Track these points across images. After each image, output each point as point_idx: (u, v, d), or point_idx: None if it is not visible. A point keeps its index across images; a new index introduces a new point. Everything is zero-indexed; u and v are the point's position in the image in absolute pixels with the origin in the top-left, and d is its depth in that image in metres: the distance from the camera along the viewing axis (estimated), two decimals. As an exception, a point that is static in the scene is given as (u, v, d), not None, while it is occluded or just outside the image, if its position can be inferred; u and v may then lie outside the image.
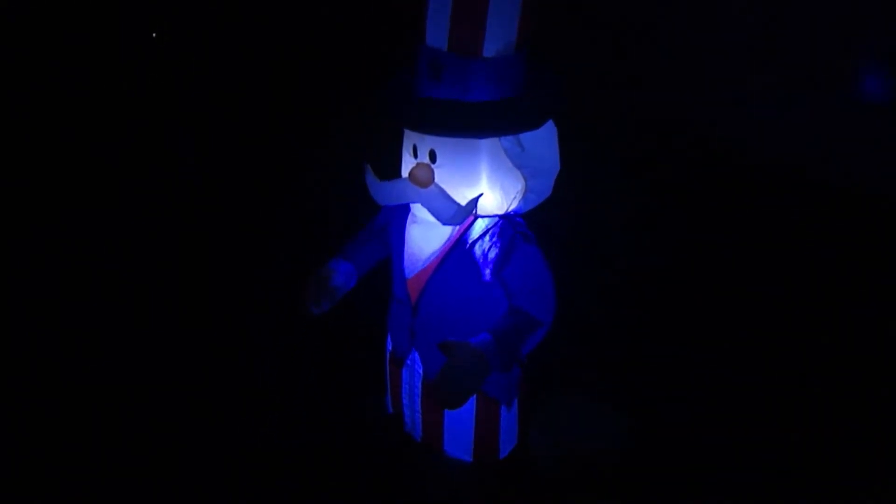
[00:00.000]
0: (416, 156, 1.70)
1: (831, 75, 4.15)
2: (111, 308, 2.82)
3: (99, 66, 4.74)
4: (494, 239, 1.71)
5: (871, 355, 2.67)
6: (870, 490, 2.11)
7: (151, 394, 2.37)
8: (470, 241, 1.72)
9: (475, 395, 1.79)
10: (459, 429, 1.90)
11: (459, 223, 1.68)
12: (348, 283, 1.90)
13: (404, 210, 1.81)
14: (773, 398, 2.43)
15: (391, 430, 2.01)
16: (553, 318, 1.72)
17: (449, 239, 1.74)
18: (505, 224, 1.73)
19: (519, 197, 1.70)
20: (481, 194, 1.67)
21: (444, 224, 1.67)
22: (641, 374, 2.51)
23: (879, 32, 4.00)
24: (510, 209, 1.72)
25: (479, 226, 1.73)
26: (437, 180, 1.66)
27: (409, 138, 1.72)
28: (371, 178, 1.74)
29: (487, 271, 1.71)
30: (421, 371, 1.87)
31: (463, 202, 1.64)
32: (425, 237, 1.76)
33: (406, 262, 1.80)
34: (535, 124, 1.66)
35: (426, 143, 1.67)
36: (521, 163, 1.67)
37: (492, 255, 1.70)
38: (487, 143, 1.65)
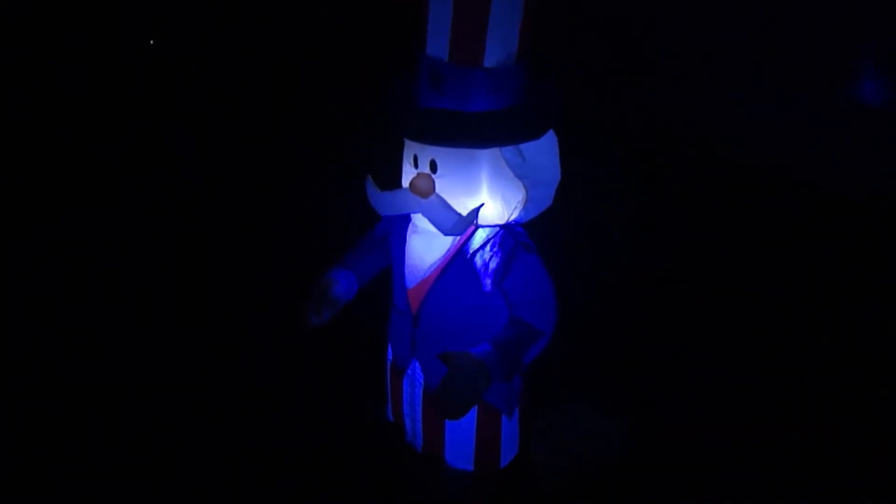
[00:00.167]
0: (416, 166, 1.70)
1: (831, 76, 4.14)
2: (111, 308, 2.82)
3: (99, 66, 4.73)
4: (495, 249, 1.71)
5: (870, 355, 2.68)
6: (870, 490, 2.12)
7: (152, 394, 2.38)
8: (471, 252, 1.72)
9: (476, 405, 1.78)
10: (461, 438, 1.90)
11: (460, 233, 1.68)
12: (349, 293, 1.88)
13: (405, 220, 1.80)
14: (773, 398, 2.44)
15: (392, 437, 2.01)
16: (554, 327, 1.72)
17: (450, 249, 1.74)
18: (506, 234, 1.73)
19: (520, 207, 1.69)
20: (482, 204, 1.66)
21: (445, 234, 1.67)
22: (641, 375, 2.51)
23: (879, 33, 3.99)
24: (511, 219, 1.71)
25: (480, 236, 1.73)
26: (438, 190, 1.66)
27: (410, 148, 1.72)
28: (372, 189, 1.73)
29: (488, 281, 1.71)
30: (422, 381, 1.88)
31: (464, 212, 1.64)
32: (426, 247, 1.76)
33: (407, 272, 1.80)
34: (536, 134, 1.66)
35: (427, 153, 1.67)
36: (521, 173, 1.66)
37: (493, 265, 1.70)
38: (488, 154, 1.65)
